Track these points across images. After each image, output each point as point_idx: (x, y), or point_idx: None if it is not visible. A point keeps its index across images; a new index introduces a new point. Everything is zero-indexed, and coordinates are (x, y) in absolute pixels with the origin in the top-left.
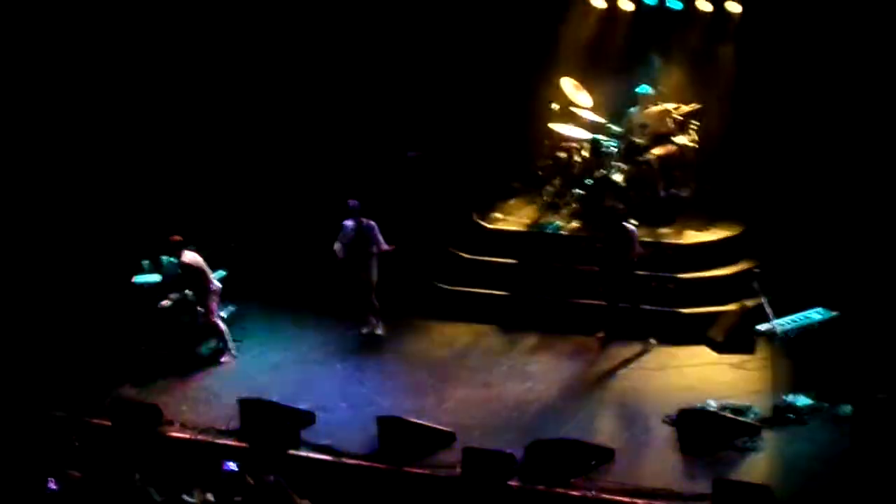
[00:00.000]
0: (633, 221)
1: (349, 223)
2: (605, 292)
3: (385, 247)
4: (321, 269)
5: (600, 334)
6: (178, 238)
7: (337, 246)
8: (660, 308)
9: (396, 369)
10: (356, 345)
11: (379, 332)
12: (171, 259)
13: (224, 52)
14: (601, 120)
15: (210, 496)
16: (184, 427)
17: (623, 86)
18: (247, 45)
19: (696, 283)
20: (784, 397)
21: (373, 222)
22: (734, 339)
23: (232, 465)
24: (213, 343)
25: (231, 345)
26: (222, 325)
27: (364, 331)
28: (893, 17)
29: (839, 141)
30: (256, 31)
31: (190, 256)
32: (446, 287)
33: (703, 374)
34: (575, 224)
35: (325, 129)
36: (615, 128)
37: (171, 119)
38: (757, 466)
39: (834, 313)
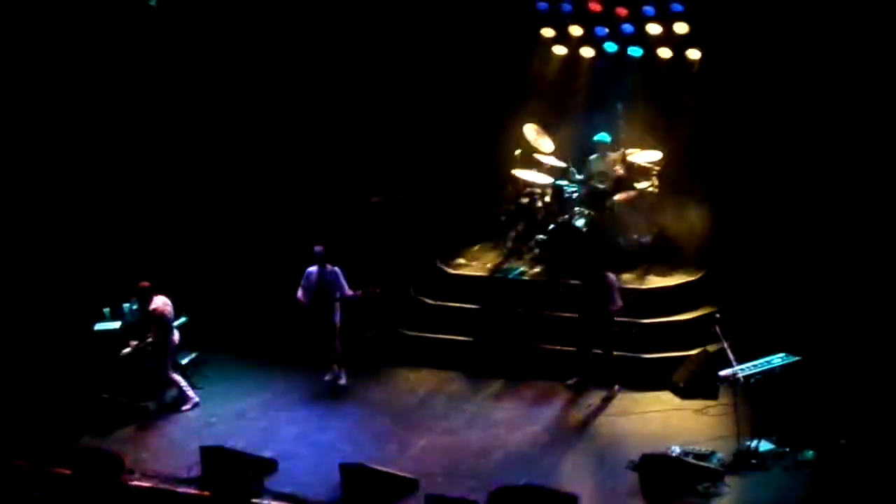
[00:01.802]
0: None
1: (313, 269)
2: (579, 339)
3: (349, 293)
4: (284, 315)
5: (572, 381)
6: (146, 284)
7: (300, 293)
8: (623, 353)
9: (360, 416)
10: (319, 392)
11: (342, 382)
12: (133, 306)
13: (182, 99)
14: (563, 165)
15: None
16: (145, 476)
17: (585, 131)
18: (207, 92)
19: (659, 328)
20: (747, 442)
21: (337, 269)
22: (697, 384)
23: None
24: (174, 391)
25: (191, 392)
26: (176, 377)
27: (327, 378)
28: (848, 63)
29: (798, 186)
30: (214, 78)
31: (159, 303)
32: (410, 333)
33: (666, 420)
34: (538, 269)
35: (288, 174)
36: (577, 174)
37: (132, 163)
38: None
39: (796, 358)
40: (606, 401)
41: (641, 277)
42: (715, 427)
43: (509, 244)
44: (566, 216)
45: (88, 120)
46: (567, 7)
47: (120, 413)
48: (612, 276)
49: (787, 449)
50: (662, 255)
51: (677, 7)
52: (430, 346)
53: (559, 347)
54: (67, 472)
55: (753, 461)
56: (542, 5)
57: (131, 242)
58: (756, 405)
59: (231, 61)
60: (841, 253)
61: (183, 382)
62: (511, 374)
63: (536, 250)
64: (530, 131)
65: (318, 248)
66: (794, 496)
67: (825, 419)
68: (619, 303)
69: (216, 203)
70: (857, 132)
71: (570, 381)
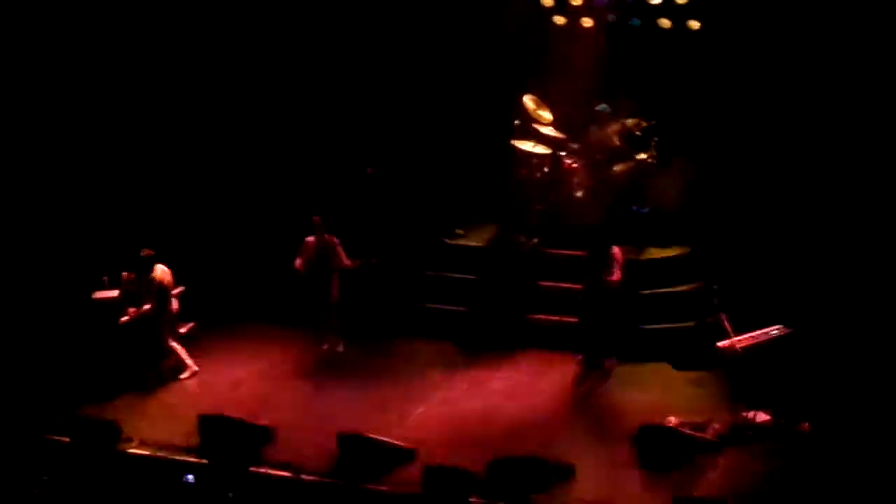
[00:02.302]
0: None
1: (311, 239)
2: (583, 312)
3: (348, 262)
4: (282, 284)
5: (580, 358)
6: (149, 252)
7: (298, 261)
8: (620, 325)
9: (357, 386)
10: (317, 361)
11: (339, 349)
12: (132, 274)
13: (185, 70)
14: (562, 136)
15: None
16: (143, 444)
17: (584, 102)
18: (208, 62)
19: (656, 299)
20: (743, 414)
21: (336, 239)
22: (694, 355)
23: (190, 478)
24: (172, 359)
25: (189, 361)
26: (175, 345)
27: (325, 347)
28: (847, 37)
29: (796, 157)
30: (216, 48)
31: (160, 272)
32: (408, 303)
33: (663, 391)
34: (536, 240)
35: (286, 143)
36: (576, 144)
37: (130, 133)
38: (716, 483)
39: (792, 330)
40: (604, 372)
41: (639, 249)
42: (711, 398)
43: (508, 215)
44: (565, 187)
45: (85, 93)
46: None
47: (118, 381)
48: (617, 249)
49: (783, 421)
50: (661, 226)
51: None
52: (429, 316)
53: (557, 318)
54: (65, 439)
55: (750, 432)
56: None
57: (129, 211)
58: (752, 376)
59: (226, 34)
60: (837, 224)
61: (181, 351)
62: (509, 344)
63: (535, 221)
64: (529, 102)
65: (315, 218)
66: (790, 468)
67: (821, 391)
68: (617, 275)
69: (213, 173)
70: (855, 105)
71: (579, 359)
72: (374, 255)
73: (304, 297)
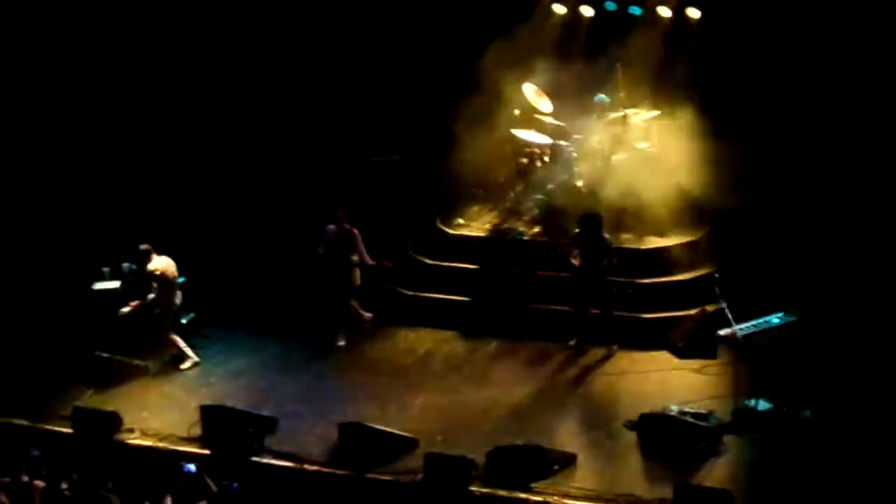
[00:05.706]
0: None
1: (331, 227)
2: (576, 299)
3: (367, 259)
4: (285, 275)
5: (572, 342)
6: (145, 247)
7: (320, 247)
8: (621, 313)
9: (359, 375)
10: (318, 351)
11: (341, 343)
12: (132, 266)
13: (186, 59)
14: (563, 125)
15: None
16: (144, 434)
17: (585, 91)
18: (209, 52)
19: (657, 287)
20: (745, 402)
21: (355, 231)
22: (695, 343)
23: (191, 467)
24: (173, 350)
25: (190, 351)
26: (175, 337)
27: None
28: (846, 23)
29: (798, 145)
30: (218, 39)
31: (161, 264)
32: (409, 293)
33: (665, 379)
34: (536, 230)
35: (288, 134)
36: (576, 133)
37: (132, 124)
38: (718, 471)
39: (794, 318)
40: (604, 360)
41: (640, 237)
42: (713, 387)
43: (508, 204)
44: (565, 176)
45: (87, 88)
46: None
47: (119, 372)
48: (607, 236)
49: (785, 409)
50: (661, 215)
51: None
52: (429, 306)
53: (557, 307)
54: (67, 430)
55: (751, 421)
56: None
57: (131, 202)
58: (754, 365)
59: (226, 25)
60: (839, 212)
61: (181, 342)
62: (509, 333)
63: (535, 211)
64: (529, 91)
65: (339, 213)
66: (791, 456)
67: (822, 379)
68: (613, 261)
69: (215, 163)
70: (857, 92)
71: (570, 343)
72: (389, 259)
73: (321, 284)
